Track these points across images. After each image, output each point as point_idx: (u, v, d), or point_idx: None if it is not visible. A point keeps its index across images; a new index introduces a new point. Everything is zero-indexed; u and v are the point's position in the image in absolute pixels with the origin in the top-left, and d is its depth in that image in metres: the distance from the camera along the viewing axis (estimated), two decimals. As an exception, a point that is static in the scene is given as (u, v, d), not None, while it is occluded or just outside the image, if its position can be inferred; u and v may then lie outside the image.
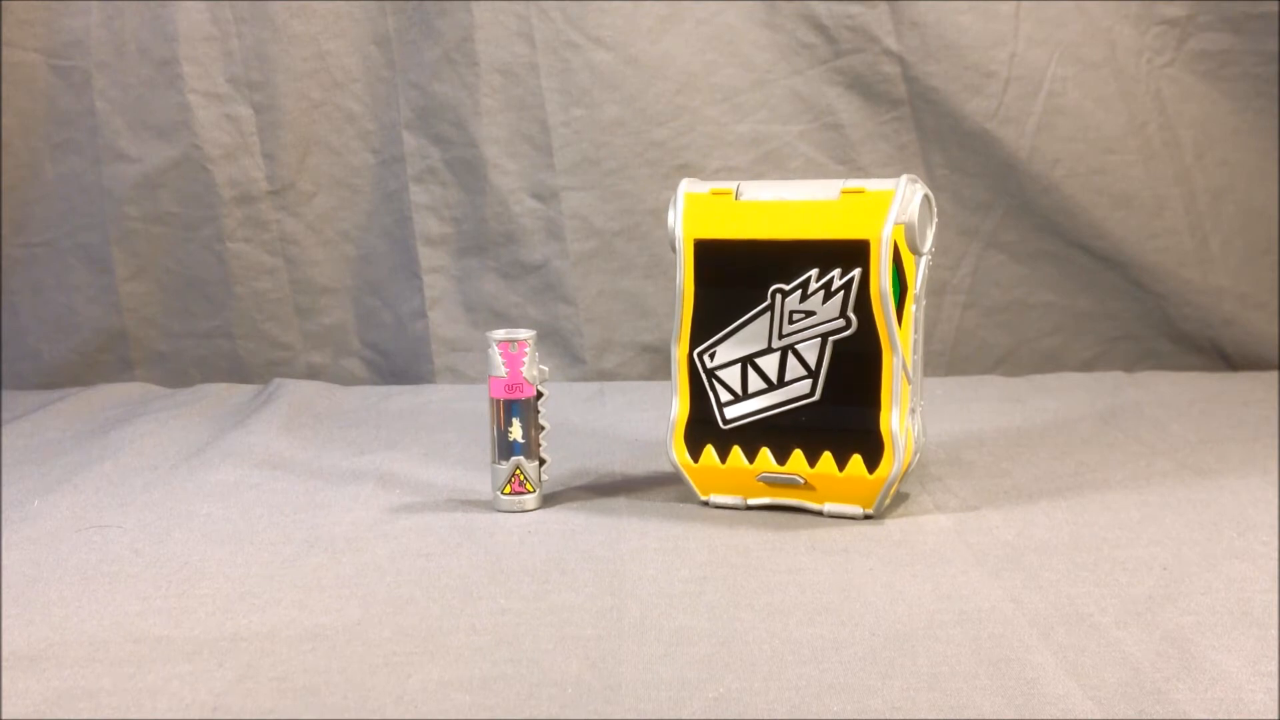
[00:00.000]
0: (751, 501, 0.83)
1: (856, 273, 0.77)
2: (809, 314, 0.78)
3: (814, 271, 0.78)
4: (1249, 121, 1.25)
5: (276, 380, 1.27)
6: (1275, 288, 1.28)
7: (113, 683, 0.57)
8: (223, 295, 1.30)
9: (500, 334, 0.82)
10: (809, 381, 0.79)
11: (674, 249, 0.81)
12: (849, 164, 1.25)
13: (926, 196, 0.78)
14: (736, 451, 0.82)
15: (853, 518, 0.80)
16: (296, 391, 1.22)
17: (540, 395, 0.83)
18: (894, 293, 0.77)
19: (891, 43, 1.22)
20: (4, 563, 0.74)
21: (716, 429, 0.82)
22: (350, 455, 0.99)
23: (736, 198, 0.80)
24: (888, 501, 0.80)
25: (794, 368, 0.80)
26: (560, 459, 0.93)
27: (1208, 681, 0.56)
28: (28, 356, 1.33)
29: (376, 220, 1.30)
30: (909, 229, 0.76)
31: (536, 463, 0.84)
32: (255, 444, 1.02)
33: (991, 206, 1.26)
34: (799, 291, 0.78)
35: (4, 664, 0.60)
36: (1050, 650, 0.59)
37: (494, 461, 0.84)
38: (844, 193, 0.77)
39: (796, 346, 0.79)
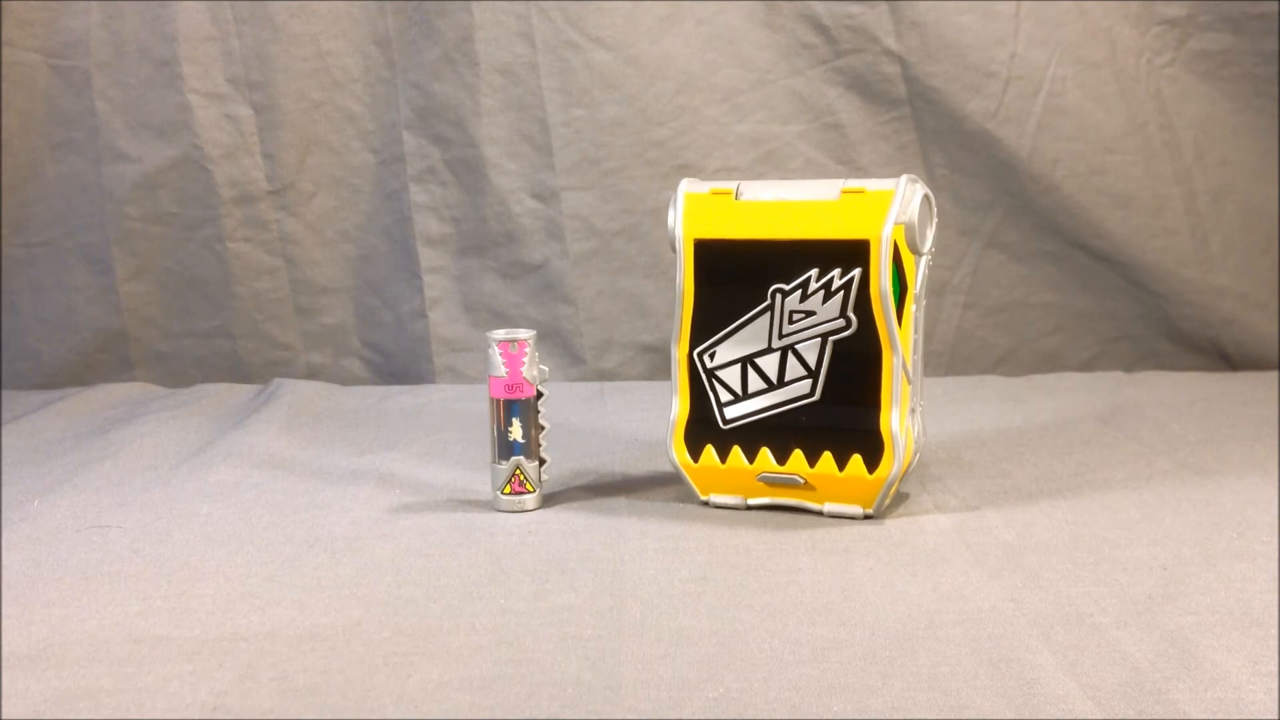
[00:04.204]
0: (751, 501, 0.83)
1: (856, 273, 0.77)
2: (809, 314, 0.78)
3: (814, 271, 0.78)
4: (1249, 121, 1.25)
5: (276, 380, 1.27)
6: (1275, 288, 1.28)
7: (113, 683, 0.57)
8: (223, 295, 1.30)
9: (500, 334, 0.82)
10: (809, 381, 0.79)
11: (674, 249, 0.81)
12: (849, 164, 1.25)
13: (926, 196, 0.78)
14: (736, 451, 0.82)
15: (853, 518, 0.80)
16: (296, 391, 1.22)
17: (540, 395, 0.83)
18: (894, 293, 0.77)
19: (891, 43, 1.22)
20: (4, 563, 0.74)
21: (716, 429, 0.82)
22: (350, 455, 0.99)
23: (736, 198, 0.80)
24: (888, 501, 0.80)
25: (794, 368, 0.80)
26: (560, 459, 0.93)
27: (1208, 681, 0.56)
28: (28, 356, 1.33)
29: (376, 220, 1.30)
30: (909, 229, 0.76)
31: (536, 463, 0.84)
32: (255, 444, 1.02)
33: (991, 206, 1.26)
34: (799, 291, 0.78)
35: (4, 664, 0.60)
36: (1050, 650, 0.59)
37: (494, 461, 0.84)
38: (844, 193, 0.77)
39: (796, 346, 0.79)
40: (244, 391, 1.26)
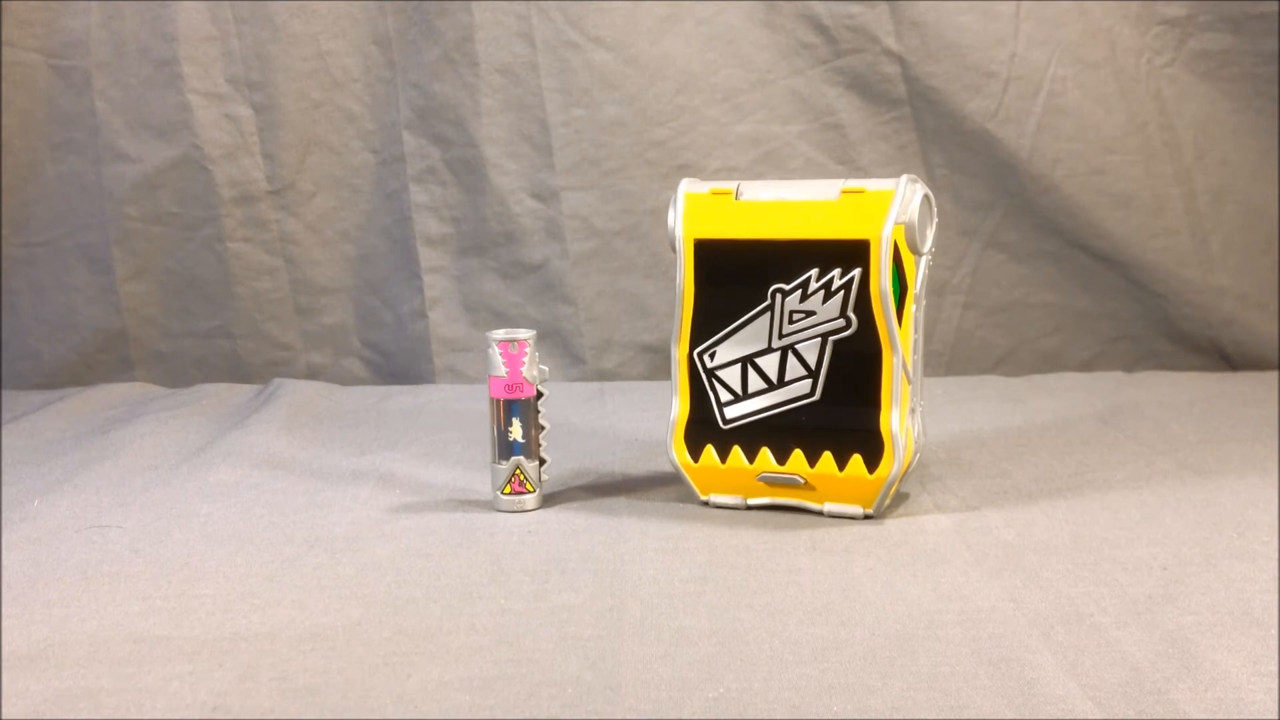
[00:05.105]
0: (751, 501, 0.83)
1: (856, 273, 0.77)
2: (809, 314, 0.78)
3: (814, 271, 0.78)
4: (1249, 121, 1.25)
5: (276, 380, 1.27)
6: (1275, 288, 1.28)
7: (113, 683, 0.57)
8: (223, 295, 1.30)
9: (500, 334, 0.82)
10: (809, 381, 0.79)
11: (674, 249, 0.81)
12: (849, 164, 1.25)
13: (926, 196, 0.78)
14: (736, 451, 0.82)
15: (853, 518, 0.80)
16: (296, 391, 1.22)
17: (540, 395, 0.83)
18: (894, 293, 0.77)
19: (891, 43, 1.22)
20: (4, 563, 0.74)
21: (716, 429, 0.82)
22: (350, 455, 0.99)
23: (736, 198, 0.80)
24: (888, 501, 0.80)
25: (794, 368, 0.80)
26: (560, 459, 0.93)
27: (1208, 681, 0.56)
28: (28, 356, 1.33)
29: (376, 220, 1.30)
30: (909, 229, 0.76)
31: (536, 463, 0.84)
32: (255, 444, 1.02)
33: (991, 206, 1.26)
34: (799, 291, 0.78)
35: (4, 664, 0.60)
36: (1050, 650, 0.59)
37: (494, 461, 0.84)
38: (844, 193, 0.77)
39: (796, 346, 0.79)
40: (244, 391, 1.26)
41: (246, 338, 1.31)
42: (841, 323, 0.78)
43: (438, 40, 1.24)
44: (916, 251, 0.78)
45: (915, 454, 0.81)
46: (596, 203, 1.26)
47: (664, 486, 0.89)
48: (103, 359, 1.32)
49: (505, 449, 0.83)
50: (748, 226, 0.79)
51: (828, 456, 0.79)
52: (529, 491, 0.84)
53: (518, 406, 0.82)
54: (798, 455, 0.80)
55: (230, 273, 1.30)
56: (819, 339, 0.79)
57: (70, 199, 1.30)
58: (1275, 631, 0.61)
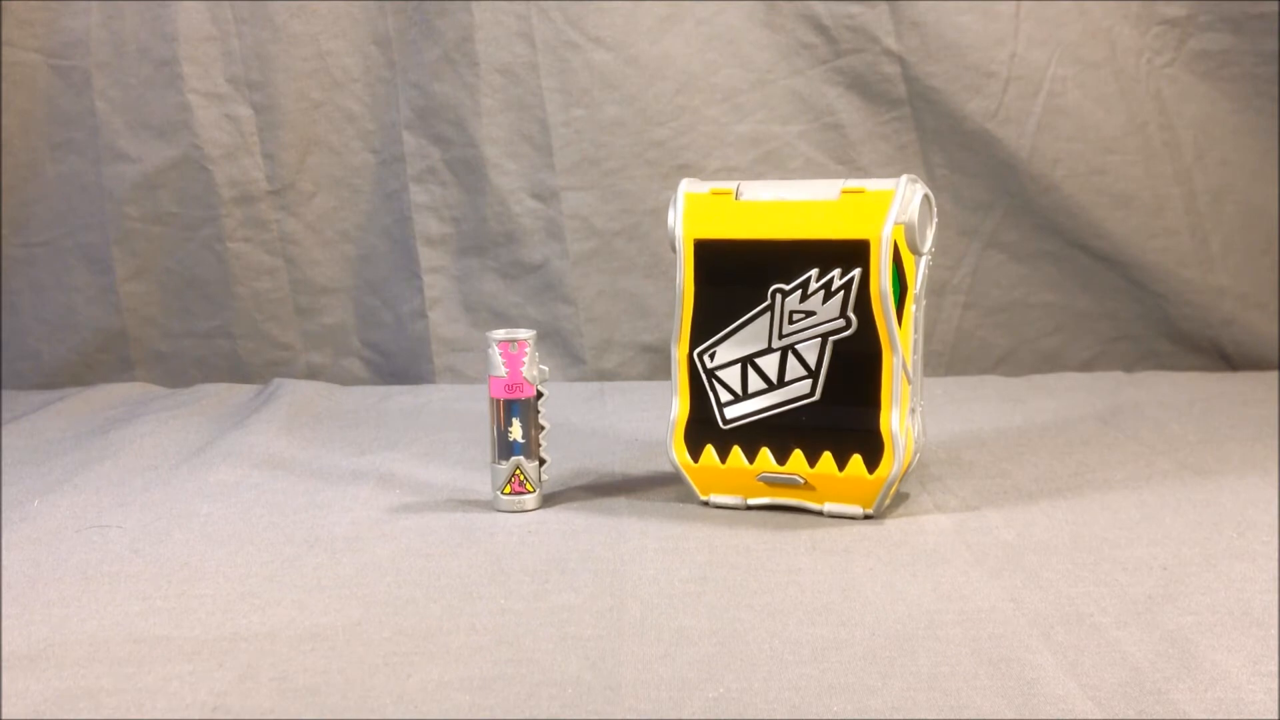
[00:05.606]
0: (751, 501, 0.83)
1: (856, 273, 0.77)
2: (809, 314, 0.78)
3: (814, 271, 0.78)
4: (1249, 121, 1.25)
5: (276, 380, 1.27)
6: (1275, 288, 1.28)
7: (113, 683, 0.57)
8: (223, 295, 1.30)
9: (500, 334, 0.82)
10: (809, 381, 0.79)
11: (674, 249, 0.81)
12: (849, 164, 1.25)
13: (926, 196, 0.78)
14: (736, 451, 0.82)
15: (853, 518, 0.80)
16: (296, 391, 1.22)
17: (540, 395, 0.83)
18: (894, 293, 0.77)
19: (891, 43, 1.22)
20: (4, 563, 0.74)
21: (716, 429, 0.82)
22: (350, 455, 0.99)
23: (736, 198, 0.80)
24: (888, 501, 0.80)
25: (794, 368, 0.80)
26: (560, 459, 0.93)
27: (1208, 681, 0.56)
28: (28, 356, 1.33)
29: (376, 220, 1.30)
30: (909, 229, 0.76)
31: (536, 463, 0.84)
32: (255, 444, 1.02)
33: (991, 206, 1.26)
34: (799, 291, 0.78)
35: (4, 664, 0.60)
36: (1050, 650, 0.59)
37: (494, 461, 0.84)
38: (844, 193, 0.77)
39: (796, 346, 0.79)
40: (244, 391, 1.26)
41: (246, 338, 1.31)
42: (841, 323, 0.78)
43: (438, 40, 1.24)
44: (916, 251, 0.78)
45: (915, 454, 0.81)
46: (596, 203, 1.26)
47: (664, 486, 0.89)
48: (103, 359, 1.32)
49: (505, 449, 0.83)
50: (748, 226, 0.79)
51: (828, 456, 0.79)
52: (529, 491, 0.84)
53: (518, 406, 0.82)
54: (798, 455, 0.80)
55: (230, 273, 1.30)
56: (819, 339, 0.79)
57: (70, 199, 1.30)
58: (1275, 631, 0.61)
